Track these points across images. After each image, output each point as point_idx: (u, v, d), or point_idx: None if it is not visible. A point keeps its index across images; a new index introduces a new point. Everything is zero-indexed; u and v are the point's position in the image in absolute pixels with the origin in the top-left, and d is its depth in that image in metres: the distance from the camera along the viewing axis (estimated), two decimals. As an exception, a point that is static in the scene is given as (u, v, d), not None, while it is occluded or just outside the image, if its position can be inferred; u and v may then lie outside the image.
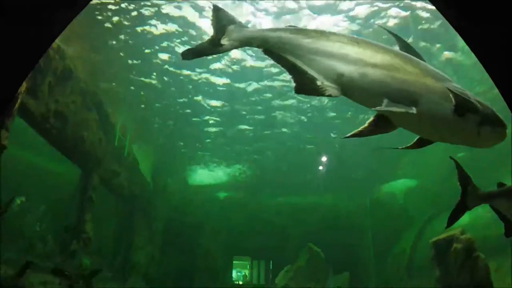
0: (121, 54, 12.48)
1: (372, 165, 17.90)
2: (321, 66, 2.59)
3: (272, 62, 3.05)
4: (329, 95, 2.55)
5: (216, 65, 13.52)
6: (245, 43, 2.90)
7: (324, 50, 2.63)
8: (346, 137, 2.69)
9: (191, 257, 19.91)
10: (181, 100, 15.48)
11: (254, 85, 14.69)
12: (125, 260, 15.82)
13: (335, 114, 15.95)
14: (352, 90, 2.58)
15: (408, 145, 2.91)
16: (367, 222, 20.47)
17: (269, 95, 15.08)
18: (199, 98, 15.40)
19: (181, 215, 20.27)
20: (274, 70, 13.51)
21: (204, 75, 14.09)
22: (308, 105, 15.70)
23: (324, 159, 19.46)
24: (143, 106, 15.53)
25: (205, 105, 15.80)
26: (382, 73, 2.49)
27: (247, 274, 22.39)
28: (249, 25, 11.59)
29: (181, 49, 12.27)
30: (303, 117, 16.54)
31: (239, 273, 22.47)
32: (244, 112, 16.42)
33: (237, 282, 21.80)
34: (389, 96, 2.45)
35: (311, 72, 2.59)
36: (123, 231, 16.58)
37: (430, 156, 14.10)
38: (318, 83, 2.55)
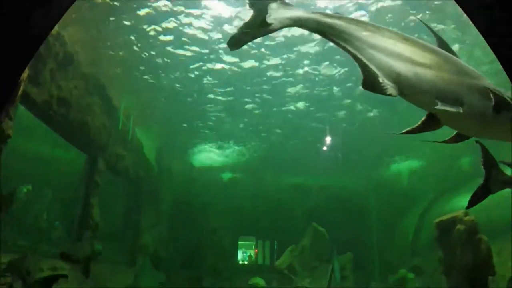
0: (124, 37, 12.32)
1: (377, 146, 17.84)
2: (380, 63, 2.54)
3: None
4: (389, 94, 2.51)
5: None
6: (296, 23, 2.75)
7: (382, 46, 2.59)
8: (401, 134, 2.79)
9: (198, 237, 20.25)
10: (185, 81, 15.35)
11: (256, 63, 14.51)
12: (133, 242, 16.12)
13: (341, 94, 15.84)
14: (407, 89, 2.56)
15: (446, 139, 3.02)
16: (372, 202, 20.59)
17: (275, 74, 14.90)
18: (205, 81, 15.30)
19: (186, 196, 20.51)
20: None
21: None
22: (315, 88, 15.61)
23: (328, 139, 19.43)
24: (146, 85, 15.39)
25: (210, 86, 15.72)
26: (431, 73, 2.52)
27: (252, 254, 22.77)
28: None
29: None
30: (308, 101, 16.44)
31: (244, 254, 22.87)
32: (248, 93, 16.33)
33: (242, 263, 22.20)
34: (439, 96, 2.48)
35: (372, 67, 2.54)
36: (131, 214, 16.84)
37: (436, 137, 14.02)
38: (380, 80, 2.50)
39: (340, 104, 16.47)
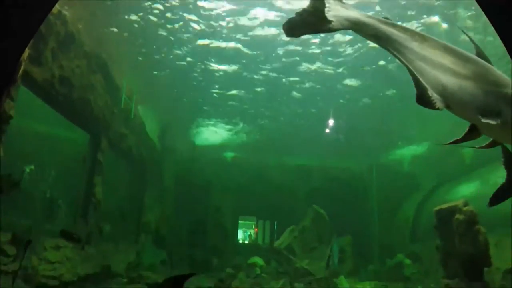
0: (127, 14, 12.10)
1: (379, 131, 17.76)
2: (428, 76, 2.48)
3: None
4: (437, 109, 2.45)
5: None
6: (354, 26, 2.60)
7: (429, 57, 2.52)
8: (447, 144, 2.82)
9: (200, 215, 20.52)
10: (188, 59, 15.18)
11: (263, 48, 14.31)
12: (136, 220, 16.36)
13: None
14: (452, 102, 2.51)
15: (482, 145, 2.98)
16: (372, 186, 20.67)
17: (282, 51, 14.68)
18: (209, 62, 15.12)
19: (189, 175, 20.66)
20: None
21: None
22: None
23: (331, 121, 19.35)
24: (149, 63, 15.20)
25: (214, 66, 15.56)
26: (473, 85, 2.47)
27: (252, 234, 23.09)
28: None
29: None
30: (314, 82, 16.24)
31: (244, 233, 23.19)
32: (256, 76, 16.17)
33: (242, 242, 22.52)
34: (479, 108, 2.46)
35: (422, 80, 2.47)
36: (134, 193, 17.01)
37: (438, 125, 13.92)
38: (429, 93, 2.44)
39: (345, 87, 16.31)
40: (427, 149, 18.56)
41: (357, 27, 2.62)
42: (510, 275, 8.52)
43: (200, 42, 13.96)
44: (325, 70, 15.37)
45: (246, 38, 13.64)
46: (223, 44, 14.06)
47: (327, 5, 2.51)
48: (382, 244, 19.01)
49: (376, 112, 16.69)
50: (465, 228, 8.62)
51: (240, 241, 22.70)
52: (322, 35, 13.31)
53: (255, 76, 16.25)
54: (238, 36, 13.57)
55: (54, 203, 11.05)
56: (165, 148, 19.45)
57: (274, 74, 16.03)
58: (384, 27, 2.60)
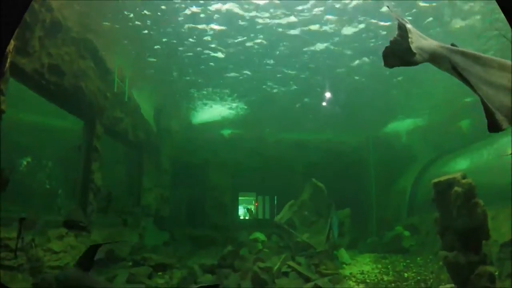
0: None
1: (377, 103, 17.65)
2: (493, 99, 2.40)
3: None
4: (503, 130, 2.40)
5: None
6: (431, 58, 2.43)
7: (492, 80, 2.42)
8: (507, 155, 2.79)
9: (199, 194, 20.69)
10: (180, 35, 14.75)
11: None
12: (136, 204, 16.45)
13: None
14: None
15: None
16: (370, 159, 20.79)
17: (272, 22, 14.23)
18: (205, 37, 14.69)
19: (187, 154, 20.67)
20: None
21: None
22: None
23: (328, 95, 19.19)
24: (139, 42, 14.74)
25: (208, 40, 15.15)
26: None
27: (252, 209, 23.36)
28: None
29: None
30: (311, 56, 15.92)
31: (244, 209, 23.47)
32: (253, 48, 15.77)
33: (243, 218, 22.80)
34: None
35: (490, 106, 2.39)
36: (133, 176, 17.04)
37: (436, 98, 13.85)
38: (497, 117, 2.37)
39: (342, 60, 16.05)
40: (425, 122, 18.56)
41: (433, 59, 2.49)
42: (507, 248, 8.73)
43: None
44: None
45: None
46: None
47: (409, 35, 2.38)
48: (380, 216, 19.33)
49: (373, 85, 16.52)
50: (463, 201, 8.66)
51: (241, 217, 22.98)
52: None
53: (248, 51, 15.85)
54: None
55: (54, 194, 11.05)
56: (161, 129, 19.33)
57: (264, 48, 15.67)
58: (456, 57, 2.46)
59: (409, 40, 2.36)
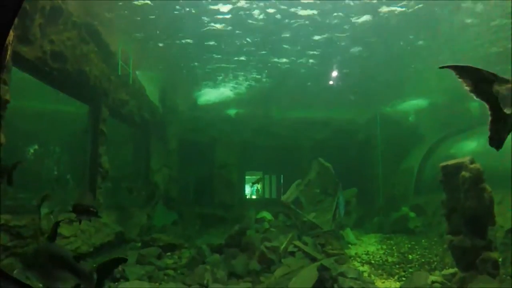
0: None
1: (384, 82, 17.32)
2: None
3: None
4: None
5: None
6: None
7: None
8: None
9: (208, 172, 20.82)
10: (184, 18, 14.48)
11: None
12: (144, 184, 16.66)
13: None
14: None
15: None
16: (377, 138, 20.56)
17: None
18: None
19: (193, 134, 20.67)
20: None
21: None
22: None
23: (335, 73, 18.89)
24: (142, 25, 14.53)
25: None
26: None
27: (259, 188, 23.47)
28: None
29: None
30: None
31: (252, 188, 23.56)
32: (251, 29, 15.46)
33: (250, 197, 22.93)
34: None
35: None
36: (140, 157, 17.17)
37: (444, 77, 13.50)
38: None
39: (350, 39, 15.67)
40: (433, 102, 18.21)
41: None
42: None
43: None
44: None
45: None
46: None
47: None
48: (387, 195, 19.29)
49: (381, 62, 16.16)
50: (471, 185, 8.61)
51: (248, 196, 23.12)
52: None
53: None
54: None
55: (62, 179, 11.21)
56: (167, 110, 19.29)
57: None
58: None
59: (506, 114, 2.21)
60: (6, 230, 7.36)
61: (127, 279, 9.23)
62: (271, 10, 14.36)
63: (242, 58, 18.12)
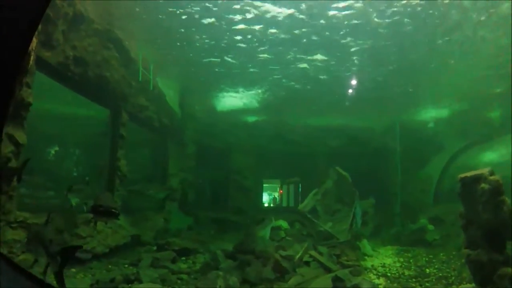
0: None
1: (404, 89, 17.02)
2: None
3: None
4: None
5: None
6: None
7: None
8: None
9: (224, 178, 20.92)
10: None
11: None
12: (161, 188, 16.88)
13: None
14: None
15: None
16: (395, 146, 20.16)
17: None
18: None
19: (211, 140, 20.86)
20: None
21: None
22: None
23: (354, 81, 18.70)
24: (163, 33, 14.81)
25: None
26: None
27: (276, 196, 23.36)
28: None
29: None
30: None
31: (269, 196, 23.44)
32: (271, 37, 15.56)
33: (268, 205, 22.78)
34: None
35: None
36: (157, 161, 17.45)
37: (465, 87, 13.21)
38: None
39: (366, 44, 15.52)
40: (452, 111, 17.76)
41: None
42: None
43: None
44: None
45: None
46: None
47: None
48: (405, 205, 18.85)
49: (400, 70, 15.91)
50: (490, 197, 8.33)
51: (265, 204, 22.99)
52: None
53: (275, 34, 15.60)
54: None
55: (81, 181, 11.50)
56: (186, 116, 19.56)
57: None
58: None
59: None
60: (24, 227, 7.60)
61: (140, 281, 9.33)
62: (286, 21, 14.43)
63: (260, 64, 18.20)
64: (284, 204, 22.79)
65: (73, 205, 7.22)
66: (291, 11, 13.59)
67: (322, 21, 14.28)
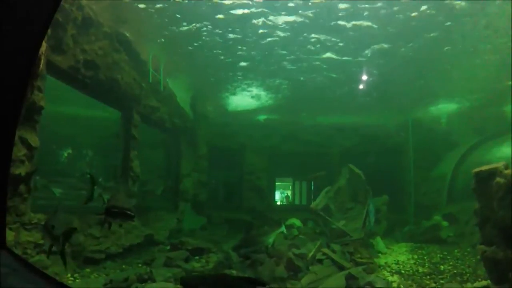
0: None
1: (415, 86, 16.76)
2: None
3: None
4: None
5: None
6: None
7: None
8: None
9: (237, 177, 20.96)
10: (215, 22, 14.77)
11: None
12: (174, 189, 17.03)
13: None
14: None
15: None
16: (408, 144, 19.86)
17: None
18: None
19: (223, 139, 20.93)
20: None
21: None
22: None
23: (364, 77, 18.50)
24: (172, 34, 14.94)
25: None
26: None
27: (289, 195, 23.31)
28: None
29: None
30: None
31: (282, 194, 23.41)
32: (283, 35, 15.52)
33: (281, 203, 22.73)
34: None
35: None
36: (170, 162, 17.59)
37: (478, 81, 12.92)
38: None
39: (377, 41, 15.35)
40: (466, 106, 17.39)
41: None
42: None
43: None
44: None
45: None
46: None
47: None
48: (419, 203, 18.56)
49: (412, 66, 15.68)
50: (505, 192, 8.13)
51: (278, 202, 22.99)
52: None
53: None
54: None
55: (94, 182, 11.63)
56: (198, 116, 19.67)
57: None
58: None
59: None
60: (39, 228, 7.76)
61: (154, 281, 9.42)
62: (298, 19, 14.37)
63: (271, 63, 18.17)
64: (297, 202, 22.72)
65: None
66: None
67: (332, 23, 14.21)
